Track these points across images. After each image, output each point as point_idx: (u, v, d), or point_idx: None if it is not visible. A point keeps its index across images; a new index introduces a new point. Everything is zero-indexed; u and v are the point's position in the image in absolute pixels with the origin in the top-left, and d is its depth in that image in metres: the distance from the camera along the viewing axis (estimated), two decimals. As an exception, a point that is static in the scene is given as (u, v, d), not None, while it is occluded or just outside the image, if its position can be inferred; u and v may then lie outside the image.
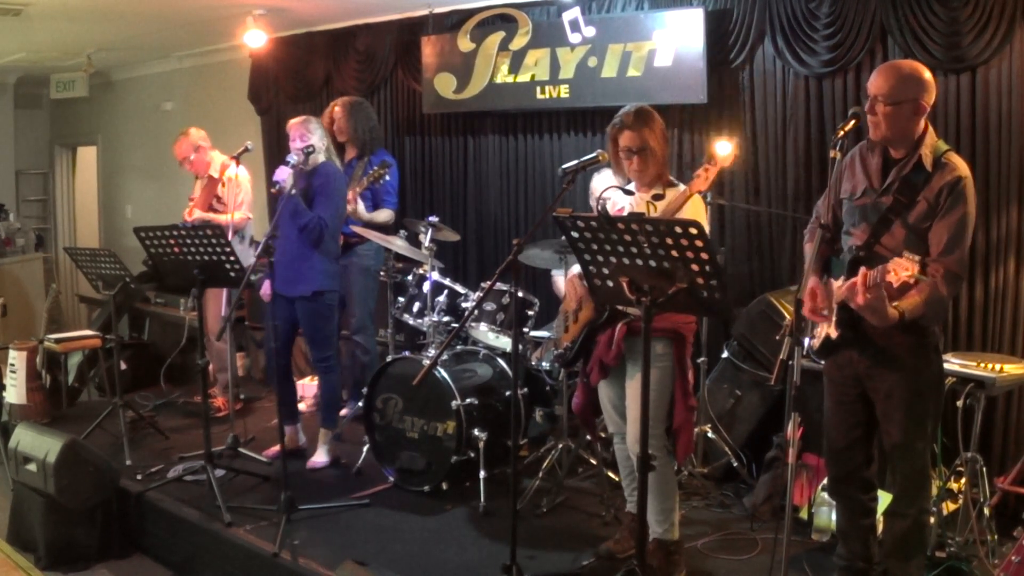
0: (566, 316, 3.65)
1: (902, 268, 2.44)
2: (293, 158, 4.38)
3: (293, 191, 4.29)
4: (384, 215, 5.26)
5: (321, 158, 4.51)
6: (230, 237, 4.71)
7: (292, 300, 4.50)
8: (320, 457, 4.65)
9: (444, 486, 4.23)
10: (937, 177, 2.73)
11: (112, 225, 9.48)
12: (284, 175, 4.31)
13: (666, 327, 3.27)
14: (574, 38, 5.10)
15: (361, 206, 5.09)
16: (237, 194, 5.38)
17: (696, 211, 3.26)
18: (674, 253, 2.67)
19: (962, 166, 2.76)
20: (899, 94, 2.74)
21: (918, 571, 2.97)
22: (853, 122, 2.80)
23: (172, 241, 4.14)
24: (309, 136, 4.46)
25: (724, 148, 3.34)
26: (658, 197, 3.34)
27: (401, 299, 4.81)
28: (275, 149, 7.07)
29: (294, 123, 4.53)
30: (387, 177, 5.06)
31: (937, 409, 2.93)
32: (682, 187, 3.31)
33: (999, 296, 3.93)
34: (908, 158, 2.80)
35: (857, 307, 2.67)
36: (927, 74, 2.78)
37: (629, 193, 3.44)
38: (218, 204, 5.45)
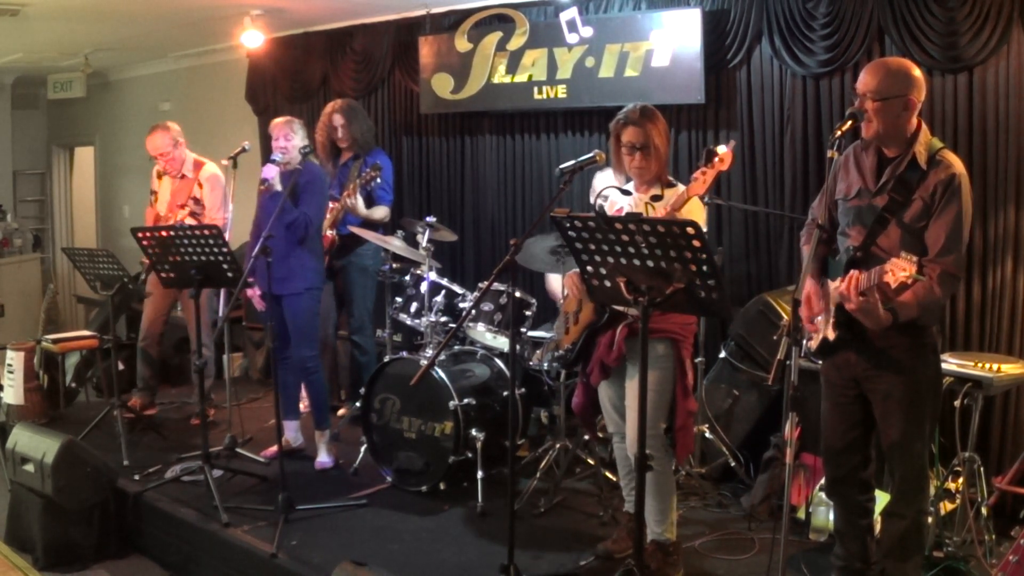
0: (567, 317, 3.64)
1: (899, 268, 2.44)
2: (279, 156, 4.45)
3: (280, 188, 4.30)
4: (380, 212, 5.26)
5: (297, 159, 4.52)
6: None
7: (279, 298, 4.48)
8: (323, 457, 4.66)
9: (442, 486, 4.23)
10: (932, 175, 2.73)
11: (109, 225, 9.47)
12: (272, 173, 4.35)
13: (668, 328, 3.27)
14: (571, 38, 5.10)
15: (360, 202, 5.09)
16: (219, 195, 5.26)
17: (694, 214, 3.25)
18: (672, 253, 2.67)
19: (957, 163, 2.75)
20: (887, 90, 2.74)
21: (916, 571, 2.97)
22: (850, 122, 2.79)
23: (169, 242, 4.13)
24: (293, 136, 4.52)
25: (723, 152, 3.32)
26: (657, 198, 3.33)
27: (398, 299, 4.81)
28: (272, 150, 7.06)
29: (277, 123, 4.58)
30: (377, 180, 5.07)
31: (935, 410, 2.93)
32: (681, 187, 3.29)
33: (996, 296, 3.93)
34: (902, 156, 2.79)
35: (851, 311, 2.68)
36: (916, 71, 2.78)
37: (627, 193, 3.44)
38: (196, 207, 5.21)
